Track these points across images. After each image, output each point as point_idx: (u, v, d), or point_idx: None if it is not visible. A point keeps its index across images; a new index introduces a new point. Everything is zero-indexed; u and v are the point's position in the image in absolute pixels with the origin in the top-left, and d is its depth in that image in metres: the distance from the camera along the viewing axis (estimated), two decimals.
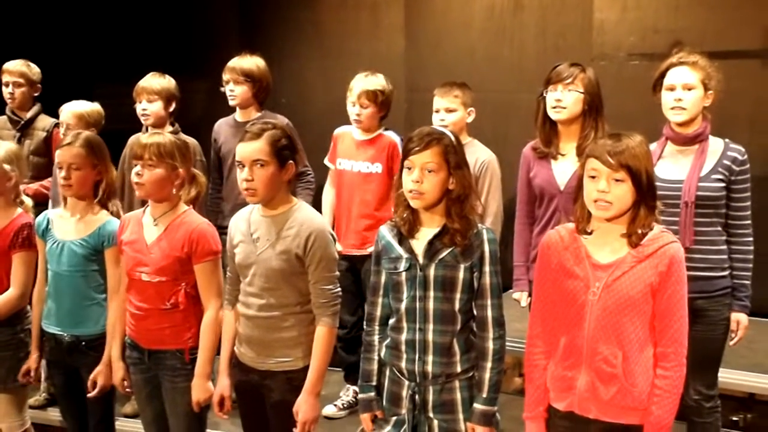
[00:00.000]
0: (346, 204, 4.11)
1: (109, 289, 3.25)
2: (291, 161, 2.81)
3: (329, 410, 4.12)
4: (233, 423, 3.34)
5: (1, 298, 3.37)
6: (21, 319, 3.45)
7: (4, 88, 4.59)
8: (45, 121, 4.60)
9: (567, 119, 3.37)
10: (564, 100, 3.34)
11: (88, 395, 3.23)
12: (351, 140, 4.10)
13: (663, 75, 3.24)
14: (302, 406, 2.80)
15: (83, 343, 3.26)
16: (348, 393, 4.25)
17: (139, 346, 3.10)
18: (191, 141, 3.94)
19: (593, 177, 2.42)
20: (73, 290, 3.26)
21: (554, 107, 3.37)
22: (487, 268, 2.60)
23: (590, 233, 2.50)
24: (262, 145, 2.75)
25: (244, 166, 2.77)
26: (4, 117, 4.64)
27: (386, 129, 4.08)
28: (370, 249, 3.83)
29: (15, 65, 4.59)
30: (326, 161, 4.22)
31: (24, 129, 4.57)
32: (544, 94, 3.41)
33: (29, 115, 4.59)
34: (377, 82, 3.98)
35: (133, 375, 3.17)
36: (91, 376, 3.21)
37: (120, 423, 3.60)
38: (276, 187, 2.80)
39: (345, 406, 4.20)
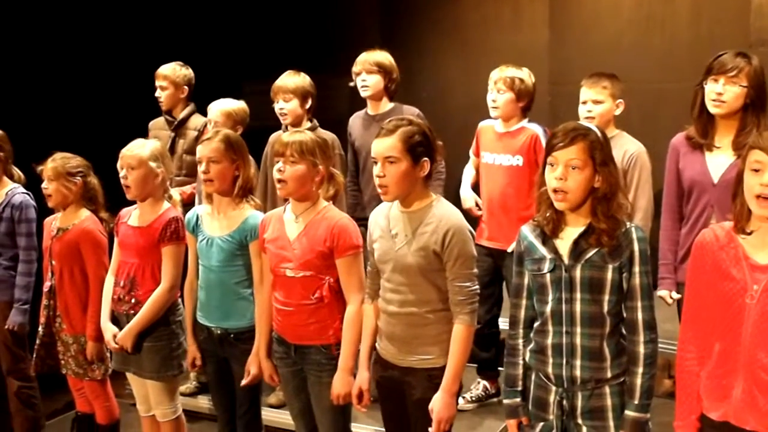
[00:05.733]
0: (489, 197, 4.11)
1: (255, 282, 3.32)
2: (426, 158, 2.78)
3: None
4: (371, 416, 3.36)
5: (153, 295, 3.47)
6: (173, 311, 3.56)
7: (156, 90, 4.80)
8: (197, 121, 4.75)
9: (726, 114, 3.19)
10: (725, 94, 3.16)
11: (241, 383, 3.32)
12: (492, 133, 4.10)
13: None
14: (437, 404, 2.77)
15: (232, 335, 3.35)
16: (478, 387, 4.28)
17: (286, 341, 3.16)
18: (330, 135, 4.01)
19: (757, 170, 2.27)
20: (221, 285, 3.35)
21: (714, 100, 3.19)
22: (636, 269, 2.49)
23: (749, 233, 2.34)
24: (395, 141, 2.74)
25: (377, 162, 2.78)
26: (162, 119, 4.85)
27: (529, 121, 4.03)
28: (513, 244, 3.82)
29: (163, 68, 4.77)
30: (470, 153, 4.26)
31: (177, 129, 4.75)
32: (704, 84, 3.23)
33: (181, 115, 4.76)
34: (516, 70, 3.98)
35: (280, 369, 3.24)
36: (246, 366, 3.30)
37: (265, 412, 3.68)
38: (409, 184, 2.77)
39: (473, 399, 4.25)
